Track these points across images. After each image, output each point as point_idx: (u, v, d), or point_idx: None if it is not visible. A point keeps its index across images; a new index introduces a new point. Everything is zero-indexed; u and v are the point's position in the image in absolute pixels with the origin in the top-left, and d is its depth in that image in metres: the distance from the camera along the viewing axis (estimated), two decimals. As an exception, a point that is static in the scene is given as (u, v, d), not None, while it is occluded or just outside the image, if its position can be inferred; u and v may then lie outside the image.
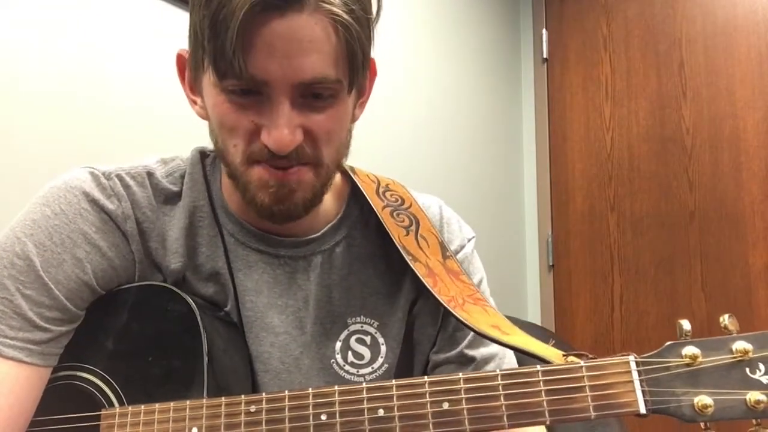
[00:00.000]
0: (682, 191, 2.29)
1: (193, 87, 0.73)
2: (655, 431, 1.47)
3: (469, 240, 0.86)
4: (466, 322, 0.71)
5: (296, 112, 0.66)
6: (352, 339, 0.79)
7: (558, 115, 2.60)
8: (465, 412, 0.58)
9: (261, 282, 0.78)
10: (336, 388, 0.61)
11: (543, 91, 2.63)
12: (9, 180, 1.15)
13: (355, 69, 0.68)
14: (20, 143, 1.18)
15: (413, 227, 0.81)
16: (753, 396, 0.53)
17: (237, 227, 0.78)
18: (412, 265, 0.77)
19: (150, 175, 0.78)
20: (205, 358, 0.69)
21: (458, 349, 0.81)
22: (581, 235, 2.50)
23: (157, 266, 0.77)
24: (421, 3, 2.17)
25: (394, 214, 0.82)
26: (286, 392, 0.62)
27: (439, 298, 0.74)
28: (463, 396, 0.59)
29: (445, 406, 0.59)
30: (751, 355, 0.54)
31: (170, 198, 0.78)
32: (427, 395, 0.59)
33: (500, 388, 0.58)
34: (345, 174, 0.85)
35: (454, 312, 0.73)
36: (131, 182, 0.76)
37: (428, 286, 0.75)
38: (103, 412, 0.69)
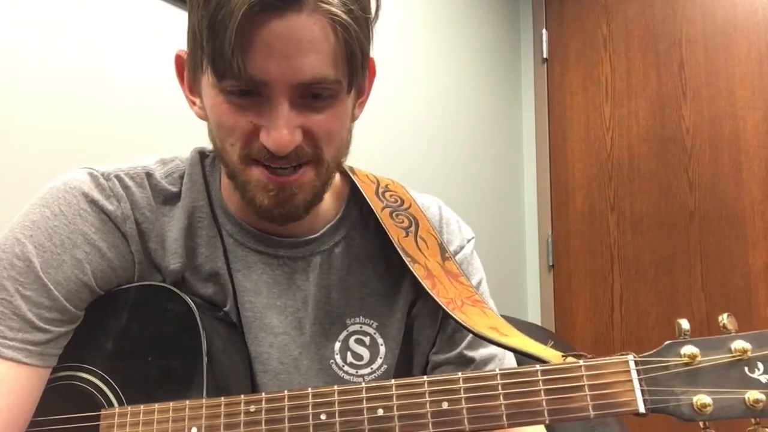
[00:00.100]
0: (682, 191, 2.29)
1: (192, 87, 0.73)
2: (655, 431, 1.47)
3: (468, 240, 0.86)
4: (464, 324, 0.71)
5: (295, 112, 0.66)
6: (351, 339, 0.79)
7: (558, 115, 2.60)
8: (464, 411, 0.58)
9: (260, 282, 0.78)
10: (335, 387, 0.61)
11: (543, 91, 2.63)
12: (9, 180, 1.15)
13: (355, 69, 0.67)
14: (20, 143, 1.18)
15: (412, 228, 0.81)
16: (752, 395, 0.53)
17: (236, 228, 0.78)
18: (411, 267, 0.77)
19: (149, 175, 0.78)
20: (205, 358, 0.69)
21: (458, 350, 0.81)
22: (581, 235, 2.50)
23: (157, 267, 0.77)
24: (421, 3, 2.17)
25: (394, 215, 0.82)
26: (286, 392, 0.62)
27: (437, 300, 0.74)
28: (462, 395, 0.59)
29: (445, 405, 0.59)
30: (749, 354, 0.54)
31: (169, 198, 0.78)
32: (427, 395, 0.59)
33: (499, 387, 0.58)
34: (344, 174, 0.85)
35: (452, 314, 0.73)
36: (130, 183, 0.76)
37: (427, 288, 0.75)
38: (102, 412, 0.69)
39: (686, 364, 0.55)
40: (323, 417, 0.61)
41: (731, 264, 2.18)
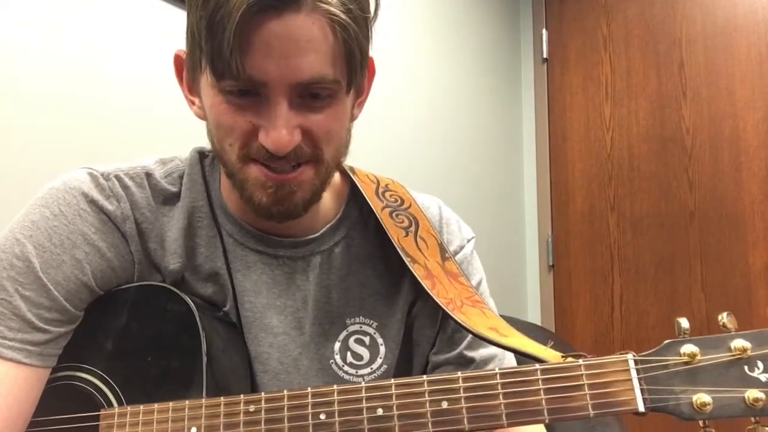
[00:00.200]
0: (682, 191, 2.29)
1: (191, 87, 0.73)
2: (655, 430, 1.47)
3: (468, 240, 0.86)
4: (464, 324, 0.71)
5: (294, 112, 0.66)
6: (351, 339, 0.79)
7: (558, 115, 2.60)
8: (464, 411, 0.58)
9: (260, 282, 0.78)
10: (335, 387, 0.61)
11: (543, 91, 2.63)
12: (9, 180, 1.15)
13: (353, 69, 0.67)
14: (20, 143, 1.18)
15: (412, 228, 0.81)
16: (751, 394, 0.53)
17: (236, 227, 0.78)
18: (410, 267, 0.77)
19: (149, 175, 0.78)
20: (204, 358, 0.69)
21: (457, 351, 0.81)
22: (581, 235, 2.50)
23: (156, 267, 0.77)
24: (421, 3, 2.17)
25: (394, 215, 0.82)
26: (285, 392, 0.62)
27: (437, 300, 0.74)
28: (462, 395, 0.59)
29: (444, 405, 0.59)
30: (749, 353, 0.54)
31: (169, 198, 0.78)
32: (426, 394, 0.59)
33: (499, 386, 0.58)
34: (344, 174, 0.85)
35: (452, 314, 0.73)
36: (130, 183, 0.76)
37: (427, 288, 0.75)
38: (102, 412, 0.69)
39: (686, 363, 0.55)
40: (323, 417, 0.61)
41: (731, 264, 2.18)
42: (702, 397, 0.54)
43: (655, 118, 2.37)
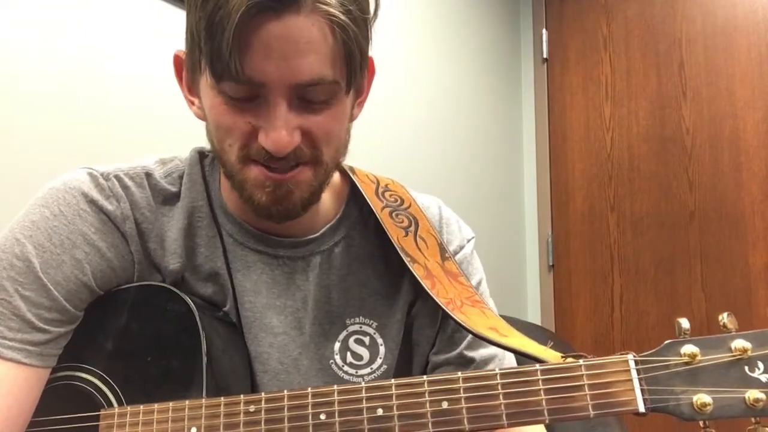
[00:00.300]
0: (682, 191, 2.29)
1: (191, 88, 0.73)
2: (655, 430, 1.47)
3: (468, 240, 0.86)
4: (464, 324, 0.71)
5: (294, 113, 0.65)
6: (351, 339, 0.79)
7: (558, 115, 2.60)
8: (464, 411, 0.58)
9: (260, 282, 0.78)
10: (335, 387, 0.61)
11: (543, 91, 2.63)
12: (9, 180, 1.15)
13: (353, 69, 0.67)
14: (20, 143, 1.18)
15: (412, 228, 0.81)
16: (752, 394, 0.53)
17: (236, 227, 0.78)
18: (410, 267, 0.77)
19: (148, 175, 0.78)
20: (204, 358, 0.68)
21: (457, 351, 0.81)
22: (581, 235, 2.50)
23: (156, 267, 0.77)
24: (421, 3, 2.17)
25: (393, 214, 0.82)
26: (285, 392, 0.62)
27: (437, 300, 0.74)
28: (462, 395, 0.59)
29: (444, 405, 0.59)
30: (750, 353, 0.54)
31: (169, 198, 0.78)
32: (426, 394, 0.59)
33: (499, 387, 0.58)
34: (344, 174, 0.85)
35: (452, 314, 0.72)
36: (130, 183, 0.76)
37: (426, 288, 0.75)
38: (102, 412, 0.69)
39: (686, 364, 0.55)
40: (323, 417, 0.61)
41: (731, 264, 2.18)
42: (702, 398, 0.54)
43: (655, 118, 2.37)
